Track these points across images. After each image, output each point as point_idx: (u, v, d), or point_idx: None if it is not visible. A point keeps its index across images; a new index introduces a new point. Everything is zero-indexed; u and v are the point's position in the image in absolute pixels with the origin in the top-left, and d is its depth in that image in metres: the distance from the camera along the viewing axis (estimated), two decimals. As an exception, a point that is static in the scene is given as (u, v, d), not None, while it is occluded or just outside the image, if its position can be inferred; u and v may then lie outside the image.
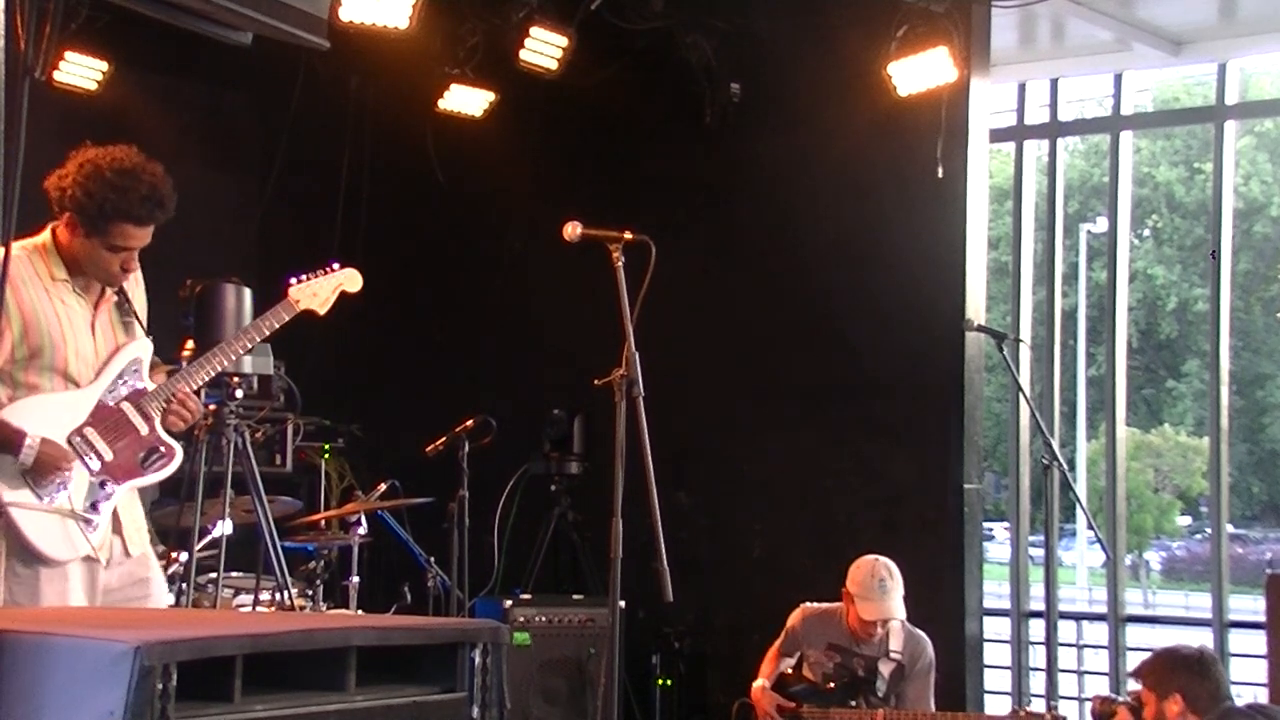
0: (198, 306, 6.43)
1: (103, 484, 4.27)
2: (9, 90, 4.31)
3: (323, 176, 8.99)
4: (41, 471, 4.13)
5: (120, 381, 4.34)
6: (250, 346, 4.57)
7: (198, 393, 4.49)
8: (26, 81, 3.55)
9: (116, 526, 4.33)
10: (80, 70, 7.69)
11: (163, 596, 4.56)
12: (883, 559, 6.34)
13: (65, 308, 4.25)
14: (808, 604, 6.52)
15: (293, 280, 4.72)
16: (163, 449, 4.39)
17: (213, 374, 4.51)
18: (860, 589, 6.29)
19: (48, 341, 4.20)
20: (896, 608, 6.27)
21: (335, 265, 4.80)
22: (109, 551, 4.30)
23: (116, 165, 4.20)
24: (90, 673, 2.54)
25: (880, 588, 6.25)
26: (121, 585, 4.35)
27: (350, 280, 4.80)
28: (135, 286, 4.48)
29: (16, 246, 4.21)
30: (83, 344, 4.27)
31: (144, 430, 4.35)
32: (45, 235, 4.30)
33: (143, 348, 4.42)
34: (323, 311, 4.74)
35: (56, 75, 7.48)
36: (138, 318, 4.43)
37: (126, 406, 4.33)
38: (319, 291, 4.72)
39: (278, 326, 4.60)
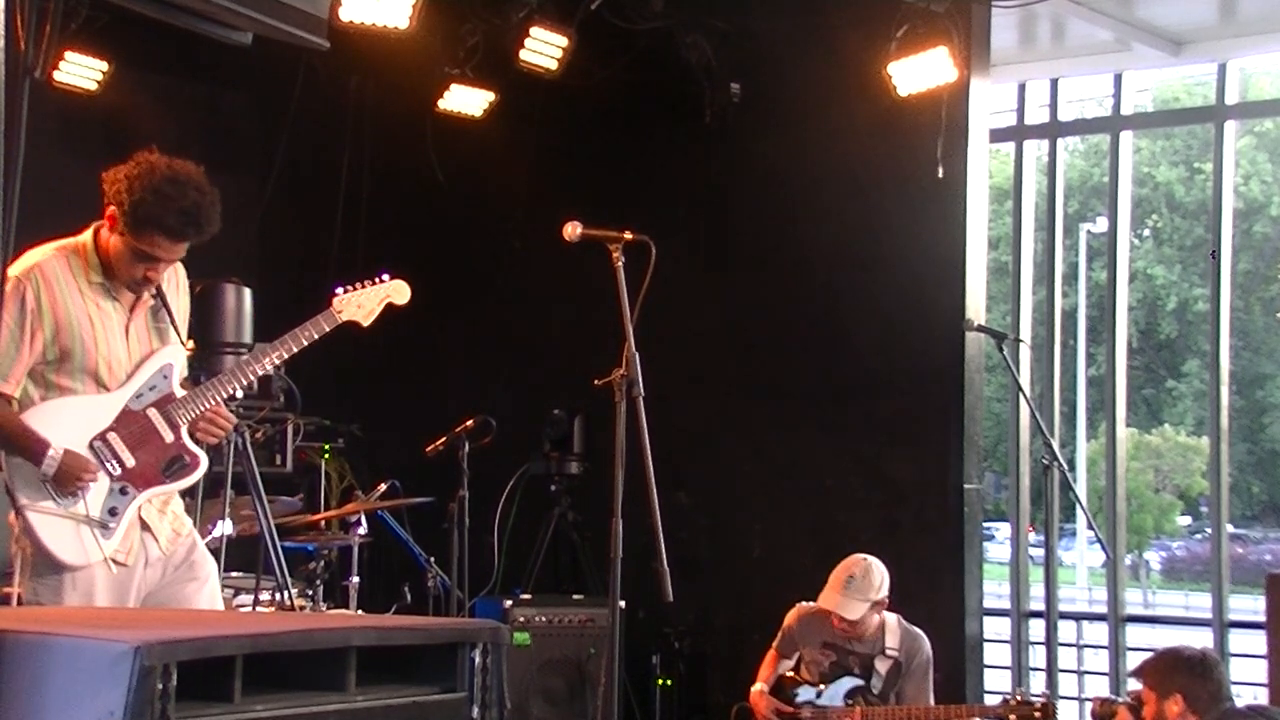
0: (198, 306, 6.37)
1: (123, 490, 4.22)
2: (9, 90, 4.28)
3: (323, 176, 8.98)
4: (62, 482, 4.10)
5: (149, 387, 4.28)
6: (286, 357, 4.44)
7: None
8: (26, 81, 3.54)
9: (146, 527, 4.29)
10: (80, 70, 7.68)
11: (211, 575, 4.44)
12: (865, 560, 6.28)
13: (100, 311, 4.22)
14: (802, 603, 6.49)
15: (338, 290, 4.54)
16: (187, 458, 4.32)
17: (245, 383, 4.42)
18: (831, 579, 6.27)
19: (78, 344, 4.17)
20: (851, 607, 6.18)
21: (385, 276, 4.63)
22: (138, 555, 4.26)
23: (169, 173, 4.15)
24: (90, 673, 2.54)
25: (846, 584, 6.20)
26: (164, 583, 4.32)
27: (398, 292, 4.63)
28: (177, 293, 4.44)
29: (53, 247, 4.23)
30: (115, 348, 4.24)
31: (168, 438, 4.29)
32: (86, 236, 4.26)
33: (175, 354, 4.36)
34: (367, 324, 4.56)
35: (56, 75, 7.46)
36: (174, 324, 4.37)
37: (153, 413, 4.28)
38: (364, 303, 4.55)
39: (316, 338, 4.44)
